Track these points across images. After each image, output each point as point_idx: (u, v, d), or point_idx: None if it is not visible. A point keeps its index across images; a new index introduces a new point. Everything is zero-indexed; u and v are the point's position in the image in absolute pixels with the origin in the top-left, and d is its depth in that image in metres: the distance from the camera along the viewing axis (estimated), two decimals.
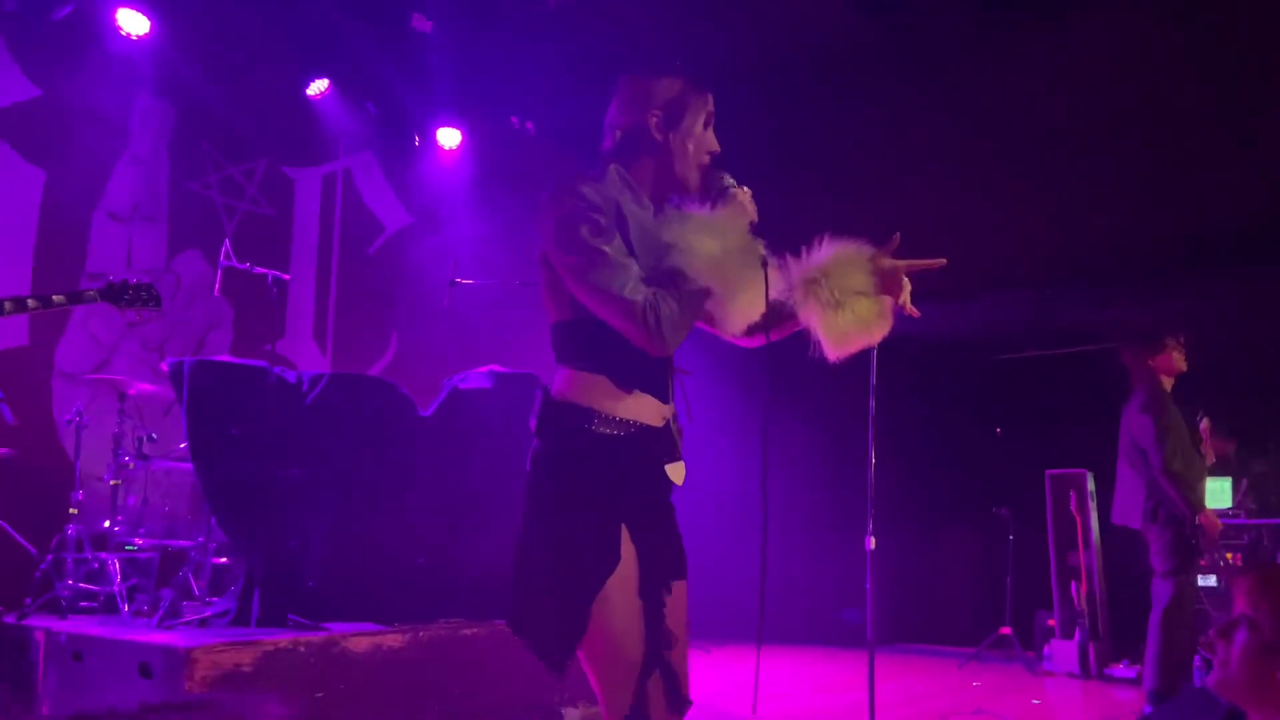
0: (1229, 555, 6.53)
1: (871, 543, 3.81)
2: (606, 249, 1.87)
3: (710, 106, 2.09)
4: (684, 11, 6.59)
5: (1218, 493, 6.69)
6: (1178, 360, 4.89)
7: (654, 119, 2.03)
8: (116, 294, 3.86)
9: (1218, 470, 6.76)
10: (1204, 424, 5.12)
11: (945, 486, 8.30)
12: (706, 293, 1.92)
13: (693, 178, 2.07)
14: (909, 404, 7.42)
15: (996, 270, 7.45)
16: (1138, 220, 6.84)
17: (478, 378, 4.89)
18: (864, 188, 7.67)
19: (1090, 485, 6.87)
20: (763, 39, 6.86)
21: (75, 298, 3.85)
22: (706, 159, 2.08)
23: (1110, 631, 6.69)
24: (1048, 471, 7.04)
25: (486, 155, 7.73)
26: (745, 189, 2.07)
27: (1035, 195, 7.11)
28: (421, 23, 6.68)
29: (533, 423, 1.98)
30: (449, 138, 7.48)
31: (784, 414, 7.99)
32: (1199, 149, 6.49)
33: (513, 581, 1.95)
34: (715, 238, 1.94)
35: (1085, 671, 6.43)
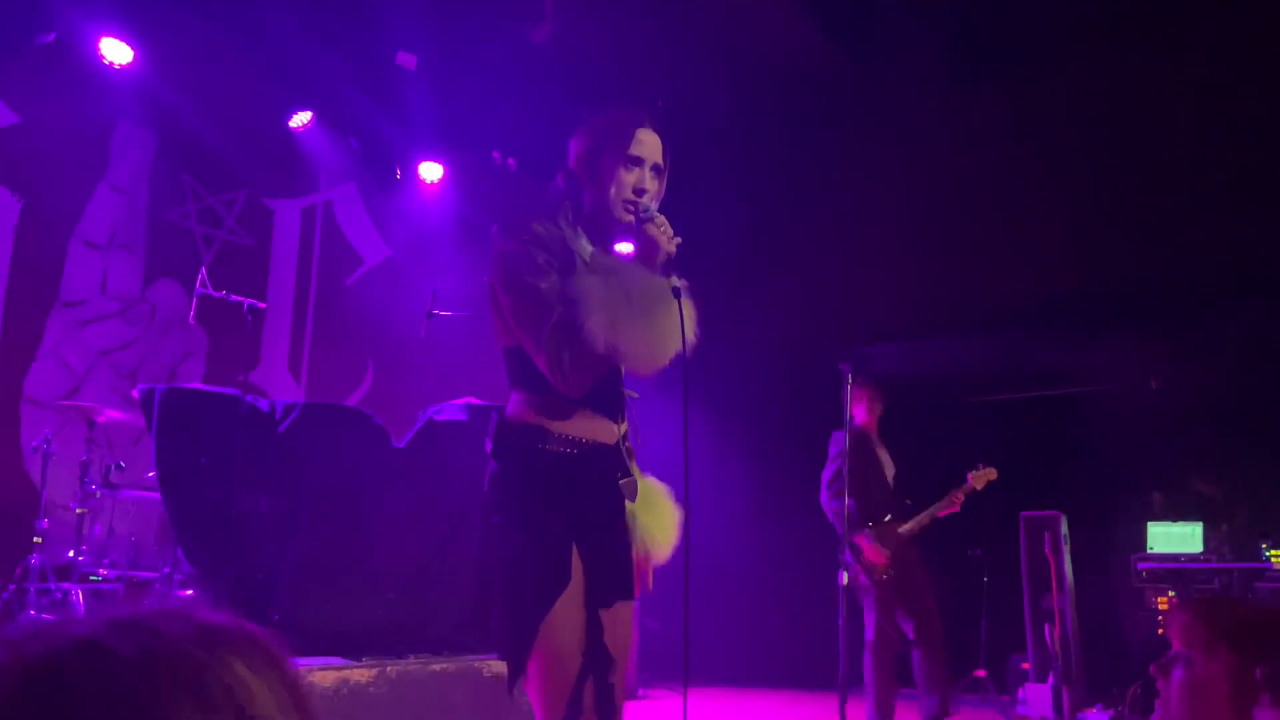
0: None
1: (844, 578, 3.80)
2: (541, 288, 1.95)
3: (634, 146, 2.12)
4: (666, 47, 6.68)
5: (1188, 537, 6.73)
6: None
7: (579, 164, 2.14)
8: None
9: (1187, 515, 6.81)
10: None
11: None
12: (599, 342, 1.94)
13: (619, 213, 2.12)
14: (883, 443, 7.43)
15: (968, 313, 7.53)
16: (1113, 263, 6.94)
17: (453, 410, 4.87)
18: (834, 228, 7.75)
19: (1064, 528, 6.88)
20: (737, 80, 6.95)
21: None
22: (630, 194, 2.11)
23: (1084, 675, 6.68)
24: (1022, 514, 7.05)
25: (468, 190, 7.76)
26: (659, 218, 2.09)
27: (1007, 237, 7.21)
28: (405, 59, 6.74)
29: (488, 444, 2.03)
30: (431, 172, 7.50)
31: (750, 448, 7.99)
32: (1175, 192, 6.61)
33: (474, 599, 2.01)
34: (606, 282, 1.97)
35: (1059, 715, 6.40)
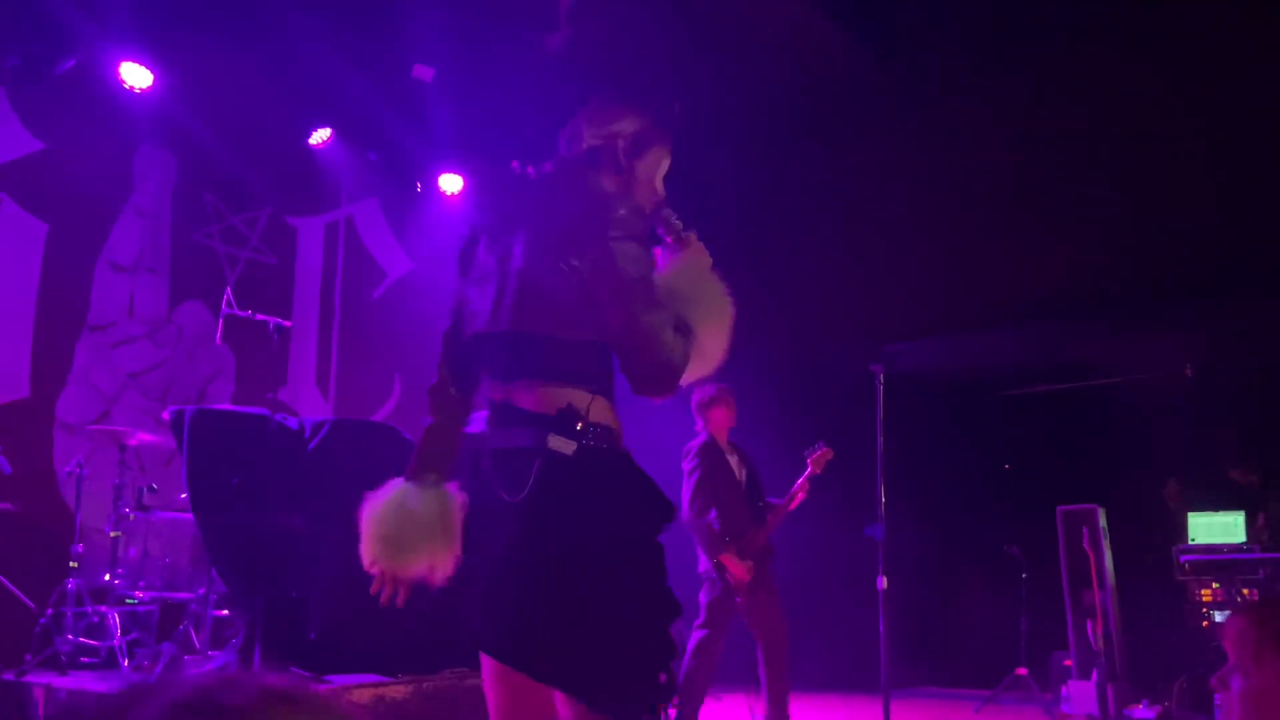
0: (1245, 590, 6.42)
1: (884, 582, 3.74)
2: (655, 282, 2.00)
3: (669, 153, 2.12)
4: (684, 55, 6.64)
5: (1230, 527, 6.61)
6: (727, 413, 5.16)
7: (622, 143, 2.05)
8: None
9: (1230, 504, 6.68)
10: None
11: (954, 524, 8.20)
12: (720, 350, 2.06)
13: (647, 208, 2.08)
14: (916, 441, 7.36)
15: (1004, 305, 7.43)
16: (1145, 251, 6.83)
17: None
18: (866, 225, 7.69)
19: (1102, 521, 6.78)
20: (760, 79, 6.91)
21: None
22: (659, 196, 2.11)
23: (1129, 671, 6.56)
24: (1059, 508, 6.95)
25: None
26: (692, 232, 2.10)
27: (1037, 229, 7.11)
28: (422, 71, 6.74)
29: (558, 441, 1.91)
30: (451, 184, 7.51)
31: (781, 449, 7.92)
32: (1208, 179, 6.50)
33: (573, 622, 1.84)
34: (716, 284, 2.06)
35: (1105, 713, 6.30)
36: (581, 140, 2.07)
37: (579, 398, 1.89)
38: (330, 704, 0.55)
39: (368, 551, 2.03)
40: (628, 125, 2.07)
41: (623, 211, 1.92)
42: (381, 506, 2.04)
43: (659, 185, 2.11)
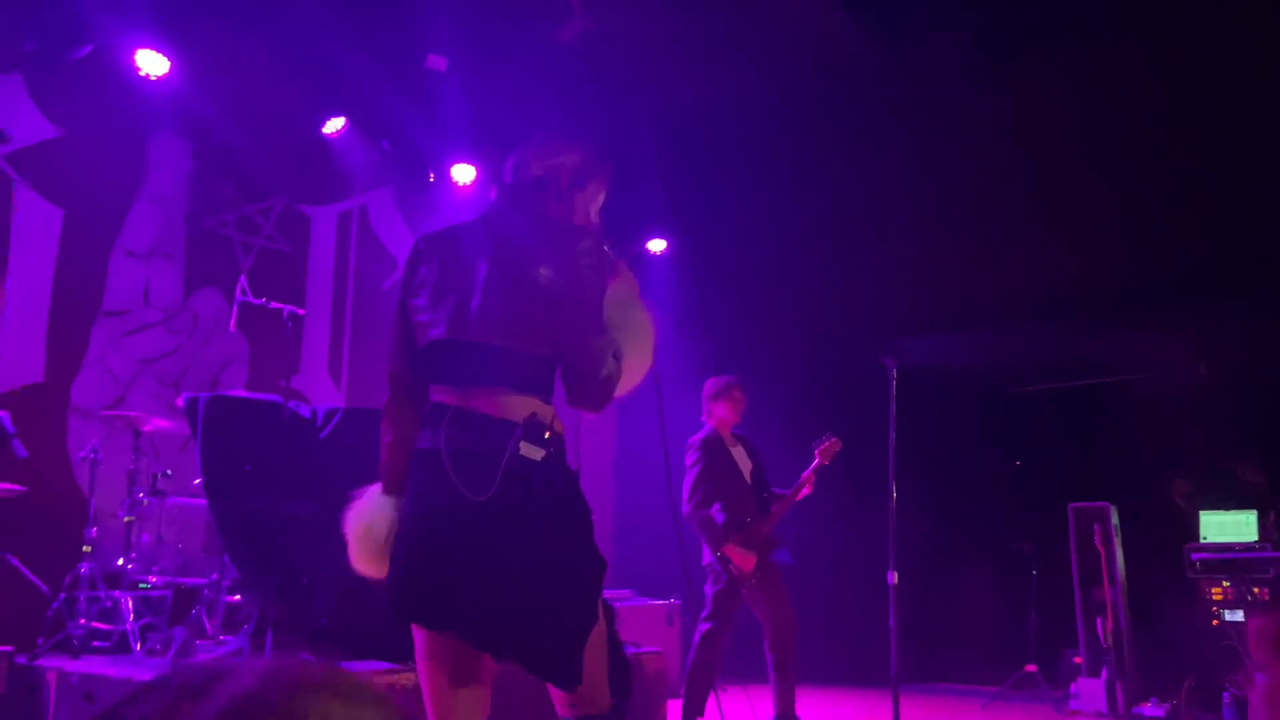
0: (1256, 589, 6.40)
1: (894, 577, 3.74)
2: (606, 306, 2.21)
3: (606, 187, 2.33)
4: (696, 41, 6.63)
5: (1242, 525, 6.58)
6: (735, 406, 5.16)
7: (565, 175, 2.24)
8: None
9: (1242, 503, 6.65)
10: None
11: (964, 521, 8.19)
12: (645, 369, 2.25)
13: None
14: (926, 438, 7.35)
15: (1014, 302, 7.41)
16: (1158, 247, 6.80)
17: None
18: (878, 219, 7.66)
19: (1114, 518, 6.76)
20: (773, 71, 6.88)
21: None
22: (595, 224, 2.30)
23: (1138, 669, 6.55)
24: (1071, 505, 6.93)
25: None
26: (623, 262, 2.31)
27: (1055, 225, 7.08)
28: (435, 62, 6.74)
29: (544, 446, 2.08)
30: (463, 174, 7.51)
31: (793, 445, 7.91)
32: (1219, 175, 6.46)
33: (534, 604, 2.02)
34: (643, 314, 2.26)
35: (1114, 710, 6.29)
36: (528, 169, 2.25)
37: (541, 408, 2.07)
38: (375, 692, 0.56)
39: (351, 554, 2.21)
40: (570, 158, 2.25)
41: (587, 240, 2.11)
42: (360, 514, 2.23)
43: (595, 215, 2.30)
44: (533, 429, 2.03)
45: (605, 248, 2.20)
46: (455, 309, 2.09)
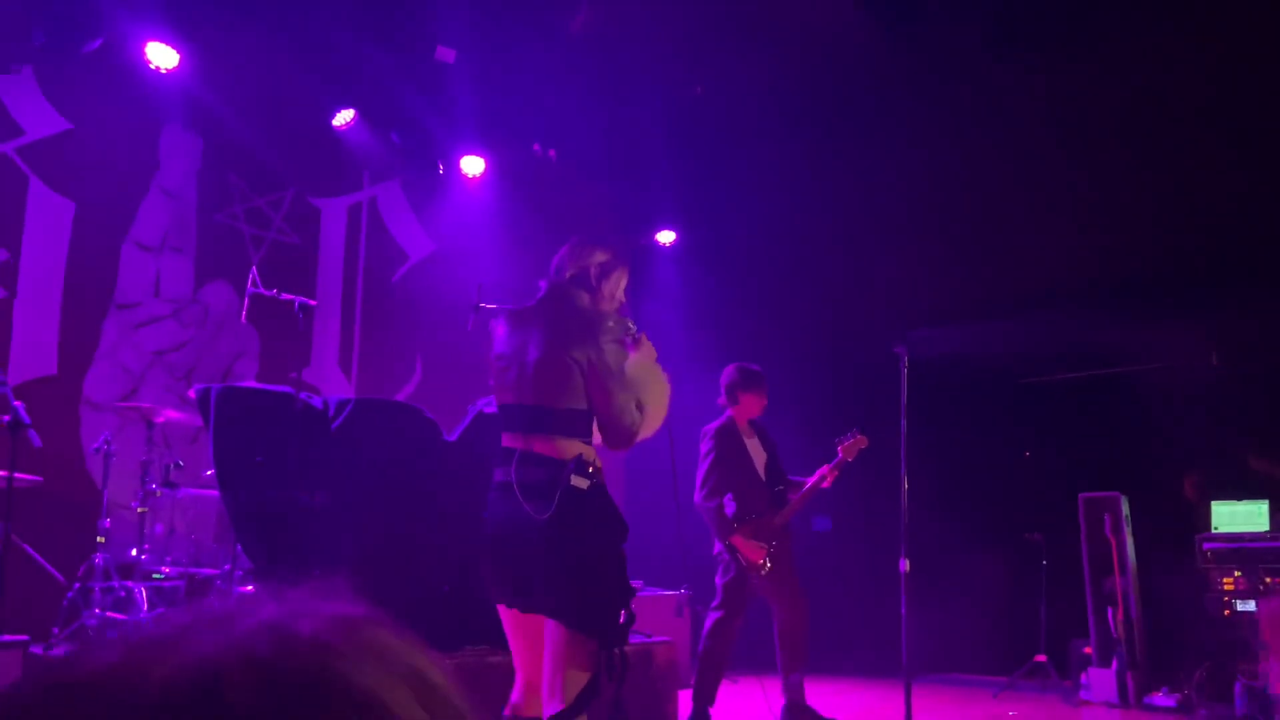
0: (1267, 579, 6.38)
1: (905, 565, 3.74)
2: (628, 373, 2.93)
3: (628, 274, 3.02)
4: (704, 34, 6.61)
5: (1254, 516, 6.55)
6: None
7: (594, 270, 2.91)
8: None
9: (1254, 493, 6.63)
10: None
11: (974, 511, 8.17)
12: (659, 420, 2.94)
13: (612, 315, 2.96)
14: (936, 427, 7.33)
15: (1025, 292, 7.38)
16: (1170, 238, 6.76)
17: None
18: (890, 210, 7.64)
19: (1125, 509, 6.74)
20: (784, 61, 6.86)
21: None
22: (620, 304, 3.00)
23: (1149, 659, 6.54)
24: (1081, 495, 6.91)
25: (509, 183, 7.76)
26: (644, 334, 2.98)
27: (1067, 215, 7.05)
28: (445, 54, 6.74)
29: (571, 475, 2.73)
30: (472, 166, 7.52)
31: (804, 435, 7.92)
32: (1229, 165, 6.42)
33: (581, 587, 2.69)
34: (659, 373, 2.95)
35: (1124, 700, 6.28)
36: (566, 270, 2.92)
37: (585, 449, 2.78)
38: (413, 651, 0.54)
39: None
40: (598, 257, 2.93)
41: (611, 323, 2.82)
42: None
43: (621, 296, 2.98)
44: (579, 466, 2.73)
45: (630, 325, 2.90)
46: (516, 379, 2.82)
